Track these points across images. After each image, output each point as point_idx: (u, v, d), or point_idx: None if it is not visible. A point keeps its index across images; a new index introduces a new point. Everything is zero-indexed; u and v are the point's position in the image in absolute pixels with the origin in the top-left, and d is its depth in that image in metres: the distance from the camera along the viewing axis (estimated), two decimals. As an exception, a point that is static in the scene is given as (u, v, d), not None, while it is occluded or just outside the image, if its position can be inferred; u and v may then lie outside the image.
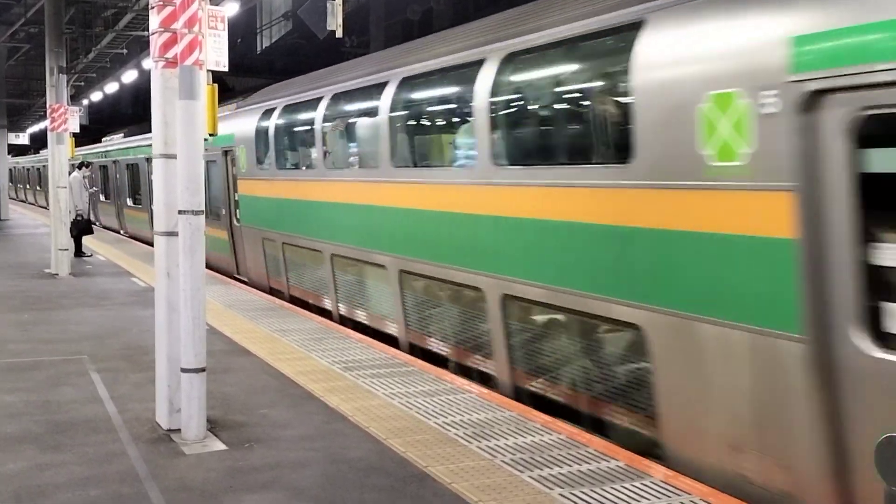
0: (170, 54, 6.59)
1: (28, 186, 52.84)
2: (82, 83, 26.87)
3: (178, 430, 6.43)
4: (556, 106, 7.72)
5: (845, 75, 4.60)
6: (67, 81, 17.67)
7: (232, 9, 14.16)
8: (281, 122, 13.17)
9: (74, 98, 22.30)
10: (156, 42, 6.67)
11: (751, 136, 5.12)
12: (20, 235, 26.64)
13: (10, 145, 38.57)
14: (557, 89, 7.70)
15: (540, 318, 7.72)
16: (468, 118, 8.26)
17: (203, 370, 6.35)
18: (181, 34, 6.23)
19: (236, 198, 15.01)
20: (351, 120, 11.22)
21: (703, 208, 5.50)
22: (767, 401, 5.15)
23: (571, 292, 6.76)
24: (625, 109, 6.21)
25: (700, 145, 5.45)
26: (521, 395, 7.65)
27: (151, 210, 26.74)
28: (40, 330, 10.74)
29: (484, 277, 7.83)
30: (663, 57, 5.86)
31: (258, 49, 37.21)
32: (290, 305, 12.45)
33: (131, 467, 5.77)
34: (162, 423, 6.66)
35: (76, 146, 19.56)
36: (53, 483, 5.50)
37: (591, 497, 5.18)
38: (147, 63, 18.65)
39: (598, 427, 6.80)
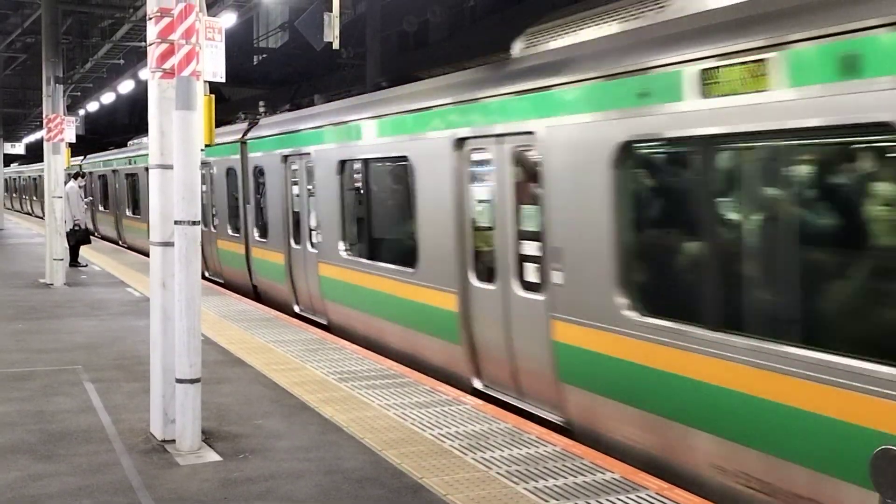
0: (167, 65, 6.60)
1: (20, 196, 54.14)
2: (79, 93, 26.86)
3: (173, 441, 6.42)
4: None
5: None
6: (64, 91, 17.68)
7: (229, 20, 14.18)
8: None
9: (71, 108, 22.31)
10: (153, 53, 6.69)
11: None
12: (15, 245, 26.61)
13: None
14: None
15: None
16: None
17: (198, 381, 6.34)
18: (178, 45, 6.25)
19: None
20: None
21: None
22: None
23: None
24: None
25: None
26: None
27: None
28: (34, 339, 10.72)
29: None
30: None
31: (255, 60, 37.29)
32: (286, 316, 12.45)
33: (125, 478, 5.76)
34: (156, 433, 6.65)
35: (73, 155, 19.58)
36: (46, 493, 5.48)
37: (585, 509, 5.17)
38: (144, 73, 18.67)
39: None
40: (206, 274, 17.18)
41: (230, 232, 16.13)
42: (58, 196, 16.79)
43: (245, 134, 15.26)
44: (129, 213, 25.59)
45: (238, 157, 15.32)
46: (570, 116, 6.71)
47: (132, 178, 24.89)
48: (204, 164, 16.12)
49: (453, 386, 8.18)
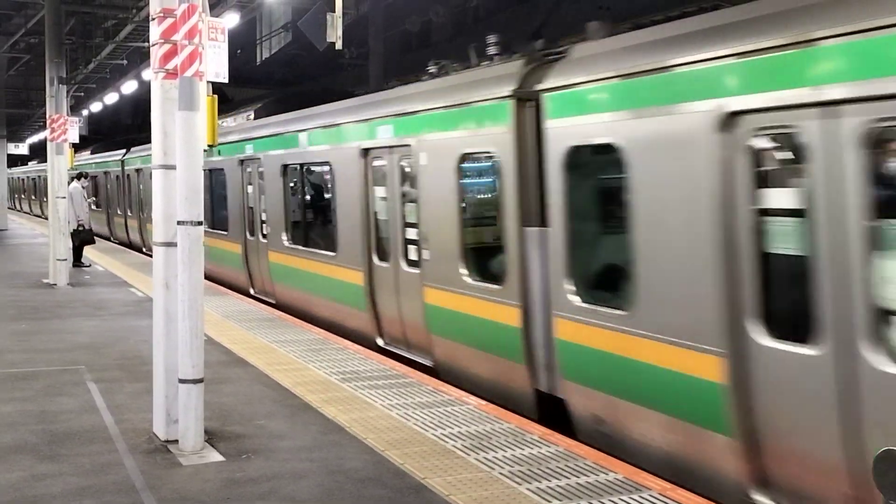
0: (170, 65, 6.62)
1: (39, 198, 52.43)
2: (82, 94, 26.90)
3: (176, 441, 6.42)
4: None
5: None
6: (67, 92, 17.71)
7: (232, 20, 14.20)
8: None
9: (74, 108, 22.35)
10: (156, 53, 6.70)
11: None
12: (18, 245, 26.64)
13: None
14: None
15: None
16: None
17: (201, 381, 6.35)
18: (181, 45, 6.25)
19: None
20: None
21: None
22: None
23: None
24: None
25: None
26: None
27: None
28: (37, 340, 10.73)
29: None
30: None
31: (258, 60, 37.31)
32: (289, 316, 12.45)
33: (128, 478, 5.76)
34: (159, 433, 6.65)
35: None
36: (49, 493, 5.48)
37: (588, 509, 5.17)
38: (147, 74, 18.69)
39: None
40: (381, 342, 10.50)
41: (468, 278, 8.48)
42: (61, 196, 16.82)
43: (526, 81, 7.69)
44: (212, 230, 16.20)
45: (505, 131, 7.82)
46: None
47: (216, 174, 16.72)
48: (395, 147, 9.98)
49: None
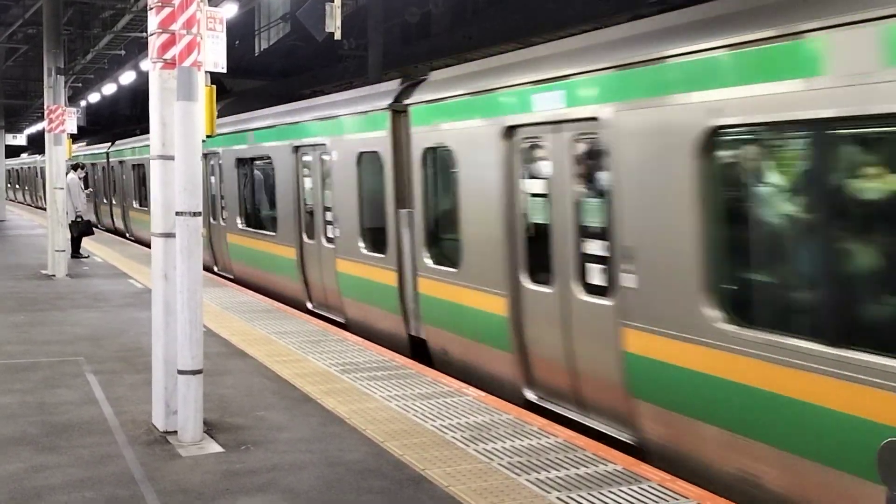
0: (168, 55, 6.59)
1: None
2: (80, 84, 26.82)
3: (175, 433, 6.42)
4: None
5: None
6: (65, 83, 17.65)
7: (230, 10, 14.13)
8: None
9: (72, 99, 22.29)
10: (154, 43, 6.66)
11: None
12: (17, 236, 26.60)
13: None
14: None
15: None
16: None
17: (200, 372, 6.34)
18: (180, 35, 6.23)
19: None
20: None
21: None
22: None
23: None
24: None
25: None
26: None
27: None
28: (36, 331, 10.72)
29: None
30: None
31: (256, 51, 37.21)
32: (287, 308, 12.43)
33: (127, 469, 5.76)
34: (158, 425, 6.65)
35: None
36: (49, 485, 5.48)
37: (587, 500, 5.17)
38: (145, 64, 18.63)
39: None
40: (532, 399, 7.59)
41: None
42: (59, 187, 16.79)
43: None
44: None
45: None
46: None
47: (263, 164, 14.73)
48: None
49: None
